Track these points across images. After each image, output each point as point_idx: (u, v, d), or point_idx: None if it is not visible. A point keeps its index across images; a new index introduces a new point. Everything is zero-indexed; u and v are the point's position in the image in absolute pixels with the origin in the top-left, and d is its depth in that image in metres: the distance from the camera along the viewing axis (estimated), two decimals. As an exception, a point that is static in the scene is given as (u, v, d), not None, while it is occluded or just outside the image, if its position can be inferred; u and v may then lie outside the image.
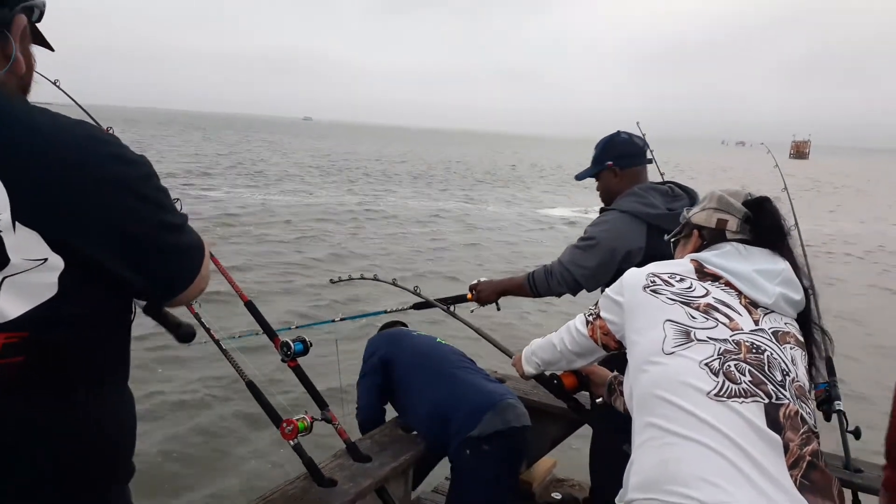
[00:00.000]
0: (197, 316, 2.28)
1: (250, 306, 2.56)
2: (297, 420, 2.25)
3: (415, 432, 2.72)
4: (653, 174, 2.80)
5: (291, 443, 2.23)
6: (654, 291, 1.45)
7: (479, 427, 2.47)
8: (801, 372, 1.35)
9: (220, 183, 21.26)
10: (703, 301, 1.41)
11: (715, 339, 1.33)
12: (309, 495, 2.18)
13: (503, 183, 29.08)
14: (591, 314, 1.65)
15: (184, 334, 1.29)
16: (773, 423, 1.23)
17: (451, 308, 2.90)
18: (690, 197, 2.58)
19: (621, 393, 1.79)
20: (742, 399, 1.24)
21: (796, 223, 3.46)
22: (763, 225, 1.55)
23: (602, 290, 1.72)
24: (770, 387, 1.27)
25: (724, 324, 1.36)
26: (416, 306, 3.10)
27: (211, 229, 12.45)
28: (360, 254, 11.67)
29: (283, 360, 2.45)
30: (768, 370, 1.30)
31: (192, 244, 1.10)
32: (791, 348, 1.38)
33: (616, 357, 1.79)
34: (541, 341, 1.89)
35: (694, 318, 1.37)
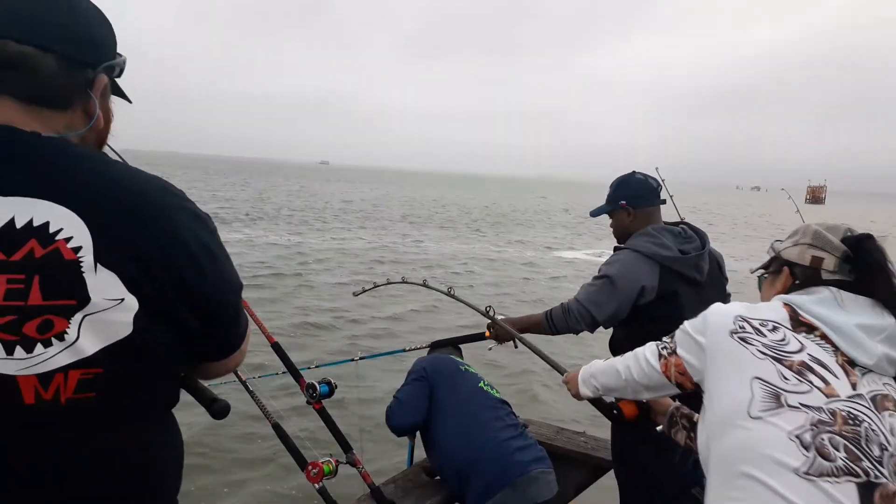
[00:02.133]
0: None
1: (276, 347, 2.60)
2: (323, 463, 2.27)
3: (438, 477, 2.71)
4: (672, 215, 2.86)
5: (317, 486, 2.25)
6: (742, 339, 1.31)
7: (494, 500, 2.43)
8: None
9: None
10: (796, 358, 1.26)
11: (808, 407, 1.20)
12: (335, 540, 2.17)
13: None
14: (664, 347, 1.52)
15: (218, 410, 1.33)
16: None
17: (491, 320, 2.77)
18: (701, 239, 2.61)
19: (684, 427, 1.75)
20: (835, 479, 1.13)
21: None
22: (865, 267, 1.38)
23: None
24: (867, 463, 1.14)
25: (818, 388, 1.23)
26: (433, 345, 3.10)
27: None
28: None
29: (307, 403, 2.48)
30: (865, 444, 1.17)
31: (243, 308, 1.16)
32: (890, 415, 1.24)
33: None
34: (602, 365, 1.77)
35: (786, 378, 1.24)
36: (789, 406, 1.20)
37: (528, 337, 2.64)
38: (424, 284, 3.14)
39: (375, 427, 4.88)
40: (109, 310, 0.92)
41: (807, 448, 1.15)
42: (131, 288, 0.93)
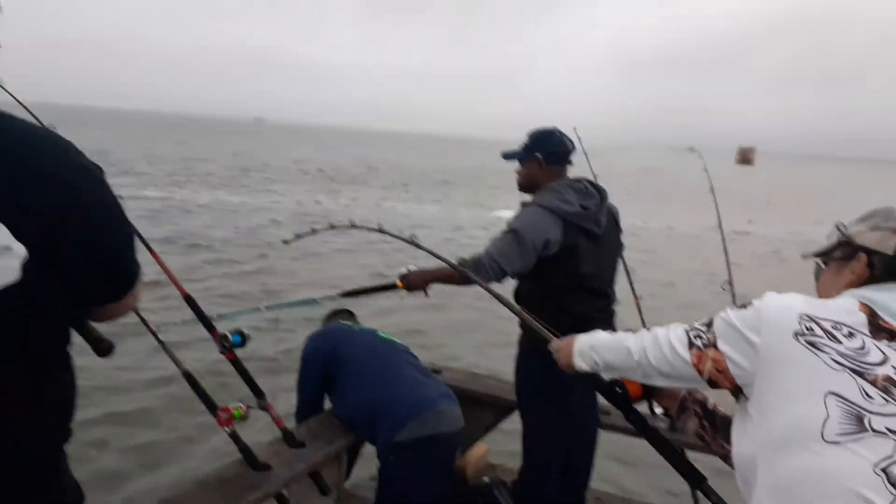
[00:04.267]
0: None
1: (188, 300, 2.62)
2: (233, 408, 2.33)
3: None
4: (585, 172, 2.99)
5: (227, 430, 2.31)
6: (811, 344, 1.10)
7: (402, 433, 2.54)
8: None
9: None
10: (880, 372, 1.06)
11: (895, 433, 1.01)
12: (243, 479, 2.25)
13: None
14: (698, 336, 1.28)
15: (104, 348, 1.37)
16: None
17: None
18: (601, 195, 2.77)
19: (696, 414, 1.58)
20: None
21: (720, 224, 3.70)
22: None
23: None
24: None
25: None
26: (346, 295, 3.10)
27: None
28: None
29: (220, 352, 2.53)
30: None
31: (134, 253, 1.20)
32: None
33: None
34: (606, 338, 1.56)
35: (869, 396, 1.04)
36: (874, 431, 1.01)
37: (510, 299, 2.53)
38: (381, 230, 2.93)
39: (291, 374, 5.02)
40: None
41: (895, 484, 0.98)
42: (17, 235, 0.96)
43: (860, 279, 1.25)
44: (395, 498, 2.63)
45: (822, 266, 1.37)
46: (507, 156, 2.85)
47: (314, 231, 3.07)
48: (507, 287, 2.77)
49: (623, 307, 3.00)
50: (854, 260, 1.27)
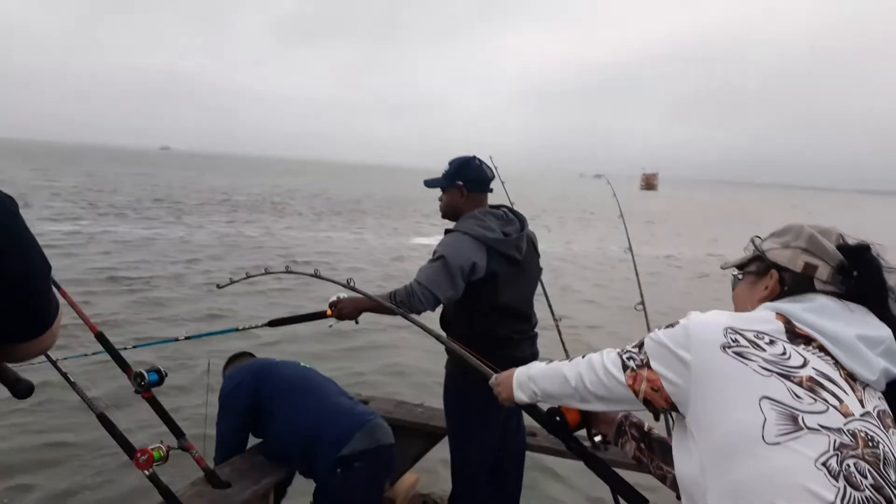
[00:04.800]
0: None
1: (101, 338, 2.51)
2: (153, 449, 2.23)
3: (276, 455, 2.75)
4: (502, 199, 3.07)
5: (147, 472, 2.21)
6: (738, 354, 1.16)
7: (349, 446, 2.55)
8: None
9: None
10: (803, 373, 1.13)
11: (828, 429, 1.07)
12: (167, 524, 2.15)
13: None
14: (630, 357, 1.32)
15: (22, 389, 1.29)
16: None
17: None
18: (521, 221, 2.85)
19: (633, 437, 1.63)
20: None
21: (630, 248, 3.88)
22: (862, 279, 1.25)
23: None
24: (888, 490, 1.04)
25: (834, 406, 1.10)
26: (271, 324, 3.04)
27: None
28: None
29: (136, 392, 2.42)
30: (884, 468, 1.06)
31: (52, 291, 1.14)
32: (893, 433, 1.14)
33: None
34: (543, 368, 1.58)
35: (798, 397, 1.10)
36: (808, 428, 1.07)
37: (446, 337, 2.49)
38: (317, 275, 2.99)
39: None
40: None
41: (835, 477, 1.03)
42: None
43: (772, 294, 1.32)
44: None
45: (739, 278, 1.45)
46: (430, 183, 2.90)
47: (248, 276, 3.10)
48: (434, 314, 2.81)
49: (543, 329, 3.08)
50: (766, 276, 1.35)
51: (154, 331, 7.68)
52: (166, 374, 2.46)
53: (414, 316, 2.54)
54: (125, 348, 2.85)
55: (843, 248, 1.29)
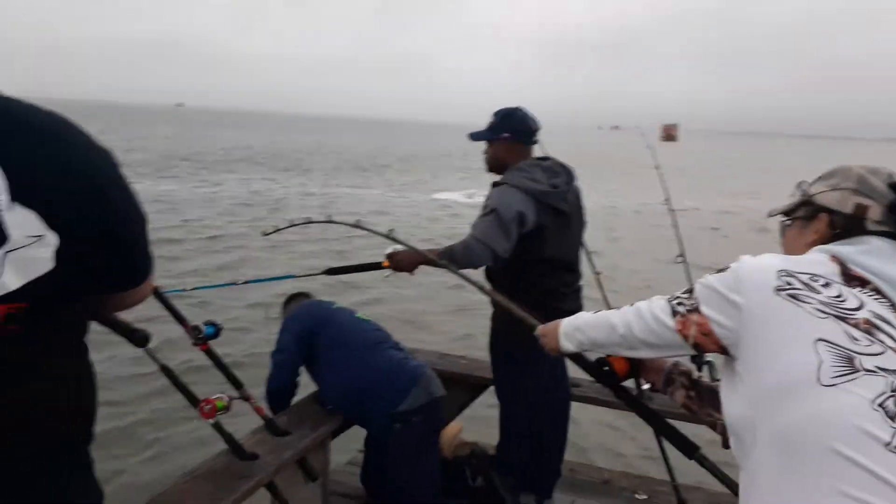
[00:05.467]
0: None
1: (156, 293, 2.56)
2: (216, 399, 2.30)
3: (330, 406, 2.82)
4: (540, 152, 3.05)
5: (211, 421, 2.28)
6: (792, 297, 1.15)
7: (406, 401, 2.63)
8: None
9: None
10: (860, 316, 1.12)
11: (885, 371, 1.07)
12: (233, 469, 2.24)
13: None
14: (680, 303, 1.32)
15: (140, 338, 1.35)
16: None
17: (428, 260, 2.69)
18: (568, 174, 2.83)
19: (683, 385, 1.62)
20: None
21: (668, 199, 3.83)
22: None
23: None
24: None
25: (891, 348, 1.10)
26: (329, 271, 3.05)
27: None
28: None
29: (193, 344, 2.48)
30: None
31: (149, 242, 1.19)
32: None
33: None
34: (590, 317, 1.58)
35: (855, 339, 1.09)
36: (865, 370, 1.06)
37: (495, 292, 2.46)
38: (330, 220, 3.04)
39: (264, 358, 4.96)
40: (29, 246, 0.94)
41: (893, 418, 1.03)
42: (50, 223, 0.95)
43: (823, 238, 1.30)
44: (399, 467, 2.72)
45: (787, 224, 1.43)
46: (475, 136, 2.87)
47: (292, 224, 3.10)
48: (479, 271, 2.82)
49: (584, 283, 3.09)
50: (816, 220, 1.33)
51: (209, 279, 7.86)
52: (222, 328, 2.51)
53: (460, 270, 2.53)
54: (184, 290, 2.89)
55: (894, 185, 1.27)
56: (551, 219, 2.70)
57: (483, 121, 2.92)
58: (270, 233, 3.11)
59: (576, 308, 2.84)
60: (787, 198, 1.45)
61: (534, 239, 2.67)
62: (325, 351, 2.81)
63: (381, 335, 2.91)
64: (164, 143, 38.10)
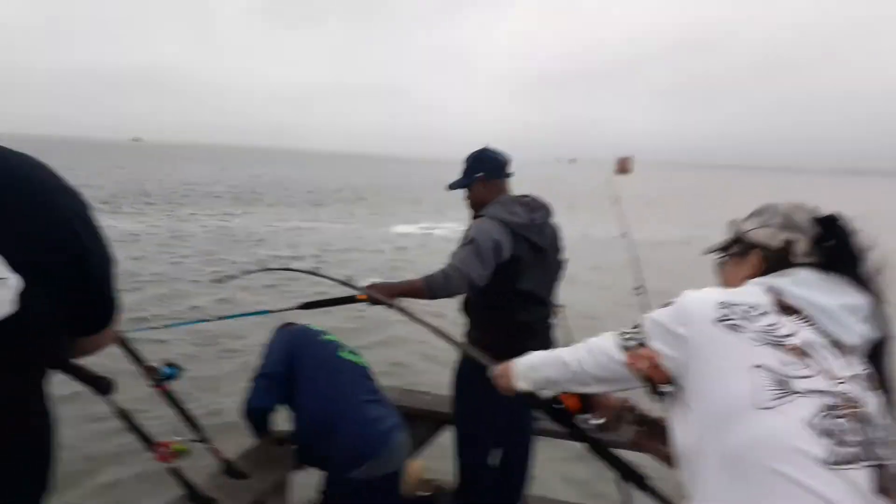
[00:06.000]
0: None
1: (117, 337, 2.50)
2: (173, 443, 2.25)
3: (293, 447, 2.77)
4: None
5: (168, 465, 2.23)
6: (731, 327, 1.23)
7: (359, 471, 2.54)
8: (889, 423, 1.19)
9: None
10: (792, 342, 1.20)
11: (815, 392, 1.14)
12: (191, 515, 2.18)
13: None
14: (629, 338, 1.39)
15: (105, 386, 1.33)
16: (881, 489, 1.09)
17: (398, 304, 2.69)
18: (546, 210, 2.91)
19: (633, 421, 1.68)
20: (852, 465, 1.09)
21: (626, 232, 3.92)
22: (838, 248, 1.33)
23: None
24: (875, 447, 1.12)
25: (820, 371, 1.17)
26: (305, 306, 3.01)
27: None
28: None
29: (149, 386, 2.43)
30: (870, 426, 1.14)
31: (116, 285, 1.18)
32: (874, 394, 1.21)
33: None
34: (542, 356, 1.66)
35: (788, 363, 1.17)
36: (798, 393, 1.13)
37: (447, 328, 2.42)
38: (287, 268, 3.09)
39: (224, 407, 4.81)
40: None
41: (825, 436, 1.10)
42: (15, 266, 0.94)
43: (757, 271, 1.40)
44: None
45: (724, 260, 1.53)
46: (454, 185, 2.96)
47: (247, 272, 3.16)
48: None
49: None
50: (750, 255, 1.43)
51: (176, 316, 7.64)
52: (182, 369, 2.46)
53: (414, 312, 2.50)
54: (155, 327, 2.83)
55: (816, 219, 1.38)
56: (527, 252, 2.76)
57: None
58: (221, 280, 3.12)
59: (547, 344, 2.88)
60: (723, 235, 1.56)
61: (509, 270, 2.72)
62: (300, 378, 2.72)
63: (359, 380, 2.81)
64: (120, 177, 37.40)
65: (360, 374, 2.85)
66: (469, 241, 2.69)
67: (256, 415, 2.76)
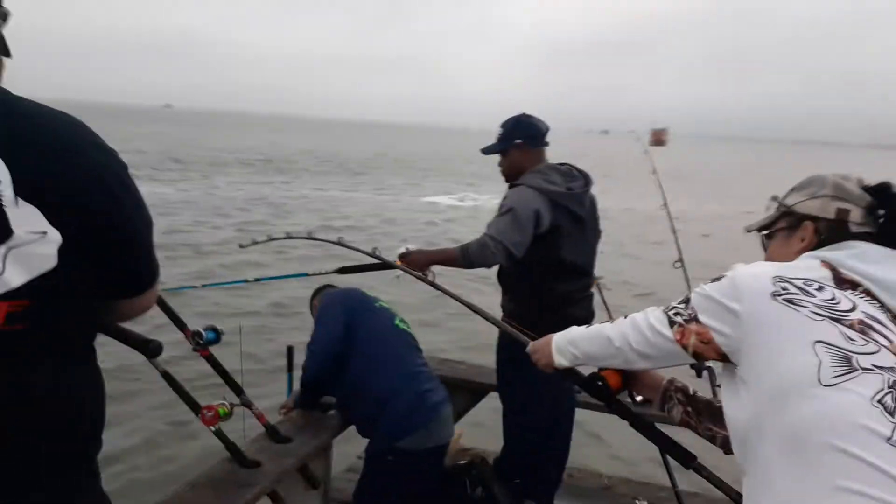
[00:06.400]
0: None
1: (159, 302, 2.52)
2: (217, 406, 2.27)
3: (331, 412, 2.78)
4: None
5: (212, 428, 2.25)
6: (788, 301, 1.18)
7: (408, 440, 2.52)
8: None
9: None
10: (854, 317, 1.16)
11: (881, 368, 1.10)
12: (235, 477, 2.21)
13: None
14: (677, 314, 1.34)
15: (154, 349, 1.33)
16: None
17: (427, 275, 2.70)
18: (585, 178, 2.83)
19: (679, 401, 1.64)
20: None
21: (665, 204, 3.84)
22: (893, 217, 1.30)
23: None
24: None
25: (886, 347, 1.13)
26: (341, 270, 3.01)
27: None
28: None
29: (194, 350, 2.45)
30: None
31: (154, 247, 1.16)
32: None
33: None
34: (583, 331, 1.59)
35: (851, 339, 1.13)
36: (863, 369, 1.10)
37: (481, 307, 2.31)
38: (311, 237, 3.08)
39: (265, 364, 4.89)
40: (33, 243, 0.93)
41: (891, 413, 1.06)
42: (53, 221, 0.94)
43: (809, 244, 1.35)
44: (394, 497, 2.62)
45: (767, 239, 1.47)
46: (488, 150, 2.89)
47: (271, 238, 3.15)
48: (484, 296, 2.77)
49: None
50: (800, 228, 1.38)
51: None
52: (223, 333, 2.47)
53: (446, 287, 2.46)
54: (194, 287, 2.85)
55: (867, 188, 1.34)
56: (567, 221, 2.70)
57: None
58: (247, 245, 3.16)
59: (588, 314, 2.85)
60: (764, 211, 1.49)
61: (549, 241, 2.67)
62: (356, 344, 2.67)
63: (413, 351, 2.79)
64: (155, 143, 37.83)
65: (413, 344, 2.82)
66: (507, 210, 2.63)
67: (313, 387, 2.74)
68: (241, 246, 3.32)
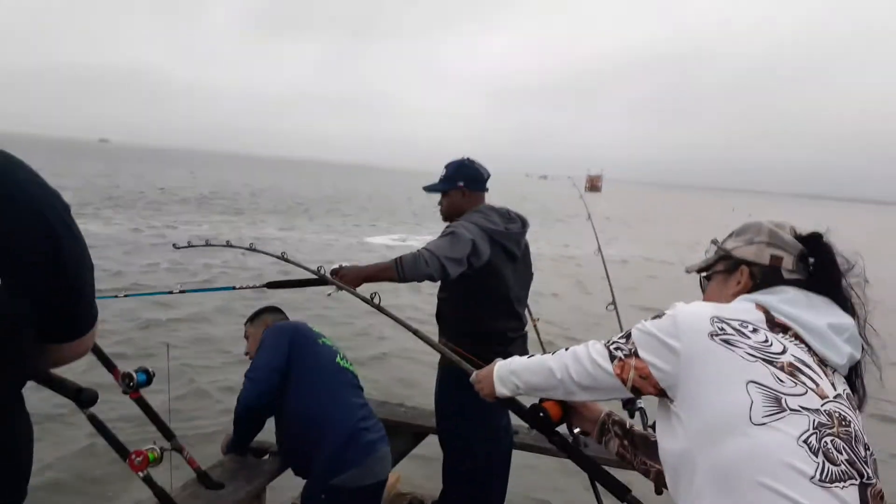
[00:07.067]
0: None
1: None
2: (147, 451, 2.20)
3: (265, 457, 2.72)
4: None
5: (141, 474, 2.18)
6: (725, 342, 1.23)
7: (342, 478, 2.48)
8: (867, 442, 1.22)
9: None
10: (784, 360, 1.22)
11: (807, 409, 1.16)
12: (164, 526, 2.13)
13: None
14: (617, 347, 1.37)
15: (87, 398, 1.28)
16: None
17: (373, 299, 2.53)
18: (522, 222, 2.95)
19: (616, 435, 1.67)
20: (842, 483, 1.11)
21: (599, 248, 3.98)
22: (822, 266, 1.37)
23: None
24: (860, 465, 1.14)
25: (812, 389, 1.19)
26: (270, 285, 2.96)
27: None
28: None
29: (124, 392, 2.38)
30: (855, 445, 1.17)
31: (94, 291, 1.14)
32: (858, 414, 1.24)
33: None
34: (525, 361, 1.61)
35: (782, 381, 1.18)
36: (791, 410, 1.15)
37: (427, 332, 2.32)
38: (252, 248, 3.08)
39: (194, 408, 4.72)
40: None
41: (815, 453, 1.12)
42: None
43: (745, 287, 1.42)
44: None
45: (706, 280, 1.55)
46: (430, 188, 2.97)
47: (207, 244, 3.26)
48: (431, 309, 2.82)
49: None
50: (737, 272, 1.45)
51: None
52: (154, 374, 2.41)
53: (390, 310, 2.39)
54: (116, 296, 2.74)
55: (799, 237, 1.41)
56: (502, 259, 2.79)
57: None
58: (182, 247, 3.23)
59: (523, 352, 2.88)
60: (703, 253, 1.57)
61: (485, 275, 2.74)
62: (295, 378, 2.62)
63: (354, 393, 2.76)
64: (92, 180, 36.60)
65: (354, 383, 2.80)
66: (448, 233, 2.69)
67: (247, 417, 2.66)
68: (175, 246, 3.32)
